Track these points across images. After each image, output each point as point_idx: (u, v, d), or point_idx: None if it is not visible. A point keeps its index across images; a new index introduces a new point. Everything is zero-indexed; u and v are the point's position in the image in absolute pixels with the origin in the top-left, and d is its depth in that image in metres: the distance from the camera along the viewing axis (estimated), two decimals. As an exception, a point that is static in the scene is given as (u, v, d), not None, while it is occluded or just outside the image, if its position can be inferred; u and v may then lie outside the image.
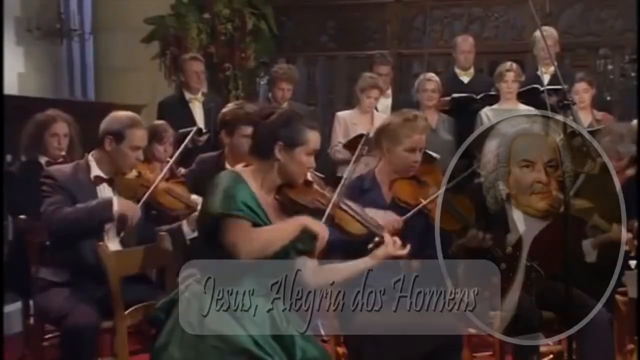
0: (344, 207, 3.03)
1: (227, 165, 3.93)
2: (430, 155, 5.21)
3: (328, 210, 2.93)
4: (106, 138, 3.55)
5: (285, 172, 2.87)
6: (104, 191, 3.58)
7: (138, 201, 3.62)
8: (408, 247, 3.02)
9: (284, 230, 2.82)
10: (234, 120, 4.03)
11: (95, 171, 3.58)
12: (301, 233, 2.83)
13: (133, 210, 3.54)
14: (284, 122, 2.86)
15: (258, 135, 2.92)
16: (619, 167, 4.01)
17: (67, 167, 3.64)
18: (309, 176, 2.98)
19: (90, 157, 3.60)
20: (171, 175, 4.03)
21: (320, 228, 2.85)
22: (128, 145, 3.54)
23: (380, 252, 2.99)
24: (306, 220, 2.84)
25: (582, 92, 5.64)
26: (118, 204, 3.48)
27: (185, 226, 3.70)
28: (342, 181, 3.19)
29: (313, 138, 2.88)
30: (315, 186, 3.00)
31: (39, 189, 3.55)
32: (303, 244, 2.87)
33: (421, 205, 3.36)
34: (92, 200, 3.49)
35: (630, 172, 4.04)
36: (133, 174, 3.67)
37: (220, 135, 4.18)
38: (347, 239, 3.05)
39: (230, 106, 4.24)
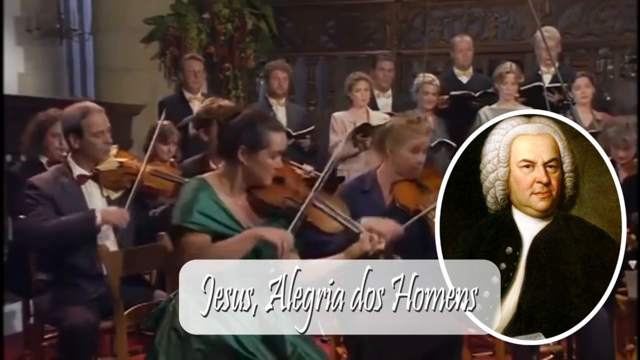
0: (318, 205, 2.92)
1: (212, 165, 3.92)
2: (449, 144, 5.40)
3: (302, 209, 2.84)
4: (69, 137, 3.54)
5: (250, 175, 2.85)
6: (90, 189, 3.56)
7: (126, 190, 3.58)
8: (384, 243, 2.93)
9: (237, 244, 2.77)
10: (210, 115, 4.05)
11: (78, 170, 3.56)
12: (260, 243, 2.78)
13: (119, 216, 3.47)
14: (246, 125, 2.84)
15: (223, 136, 2.91)
16: (626, 158, 4.04)
17: (47, 174, 3.60)
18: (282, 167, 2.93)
19: (70, 159, 3.59)
20: (154, 159, 4.01)
21: (277, 236, 2.77)
22: (90, 134, 3.51)
23: (355, 248, 2.91)
24: (260, 231, 2.79)
25: (584, 87, 5.64)
26: (102, 215, 3.42)
27: None
28: (321, 177, 3.11)
29: (277, 139, 2.85)
30: (288, 182, 2.93)
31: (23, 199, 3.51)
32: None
33: (422, 213, 3.33)
34: (74, 215, 3.42)
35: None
36: (114, 164, 3.63)
37: (199, 135, 4.20)
38: (324, 237, 2.96)
39: (203, 104, 4.26)
